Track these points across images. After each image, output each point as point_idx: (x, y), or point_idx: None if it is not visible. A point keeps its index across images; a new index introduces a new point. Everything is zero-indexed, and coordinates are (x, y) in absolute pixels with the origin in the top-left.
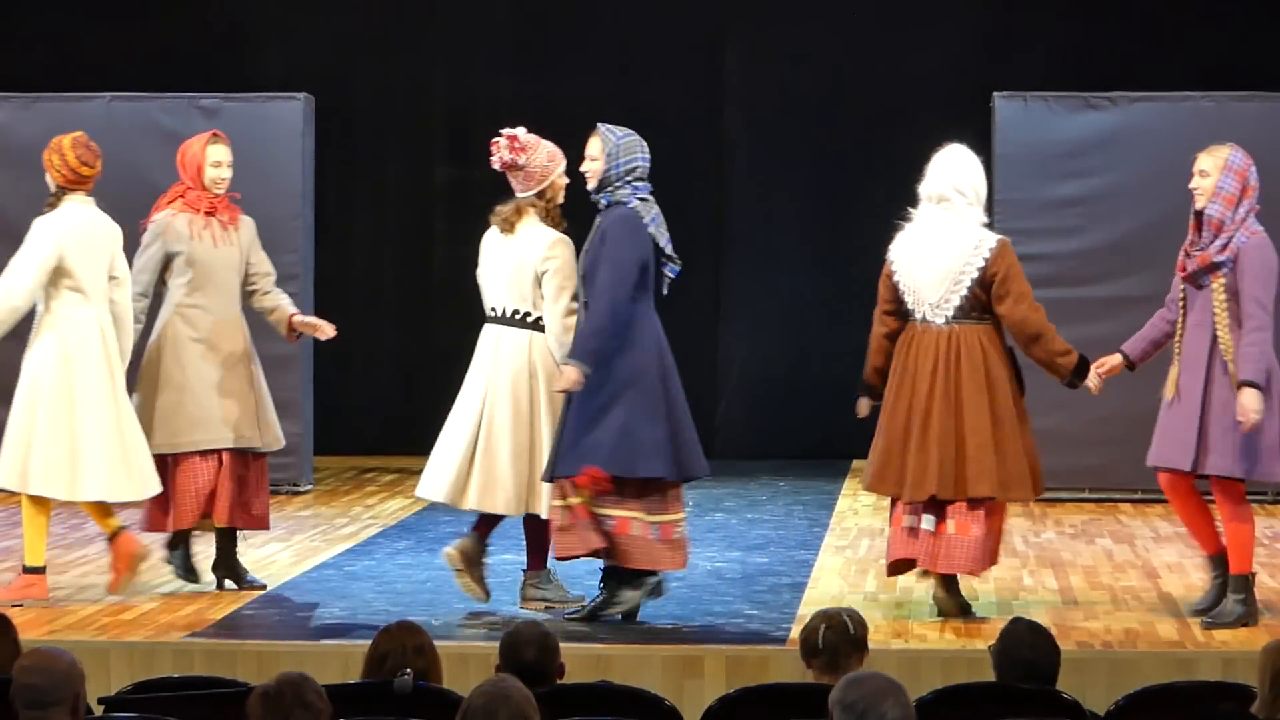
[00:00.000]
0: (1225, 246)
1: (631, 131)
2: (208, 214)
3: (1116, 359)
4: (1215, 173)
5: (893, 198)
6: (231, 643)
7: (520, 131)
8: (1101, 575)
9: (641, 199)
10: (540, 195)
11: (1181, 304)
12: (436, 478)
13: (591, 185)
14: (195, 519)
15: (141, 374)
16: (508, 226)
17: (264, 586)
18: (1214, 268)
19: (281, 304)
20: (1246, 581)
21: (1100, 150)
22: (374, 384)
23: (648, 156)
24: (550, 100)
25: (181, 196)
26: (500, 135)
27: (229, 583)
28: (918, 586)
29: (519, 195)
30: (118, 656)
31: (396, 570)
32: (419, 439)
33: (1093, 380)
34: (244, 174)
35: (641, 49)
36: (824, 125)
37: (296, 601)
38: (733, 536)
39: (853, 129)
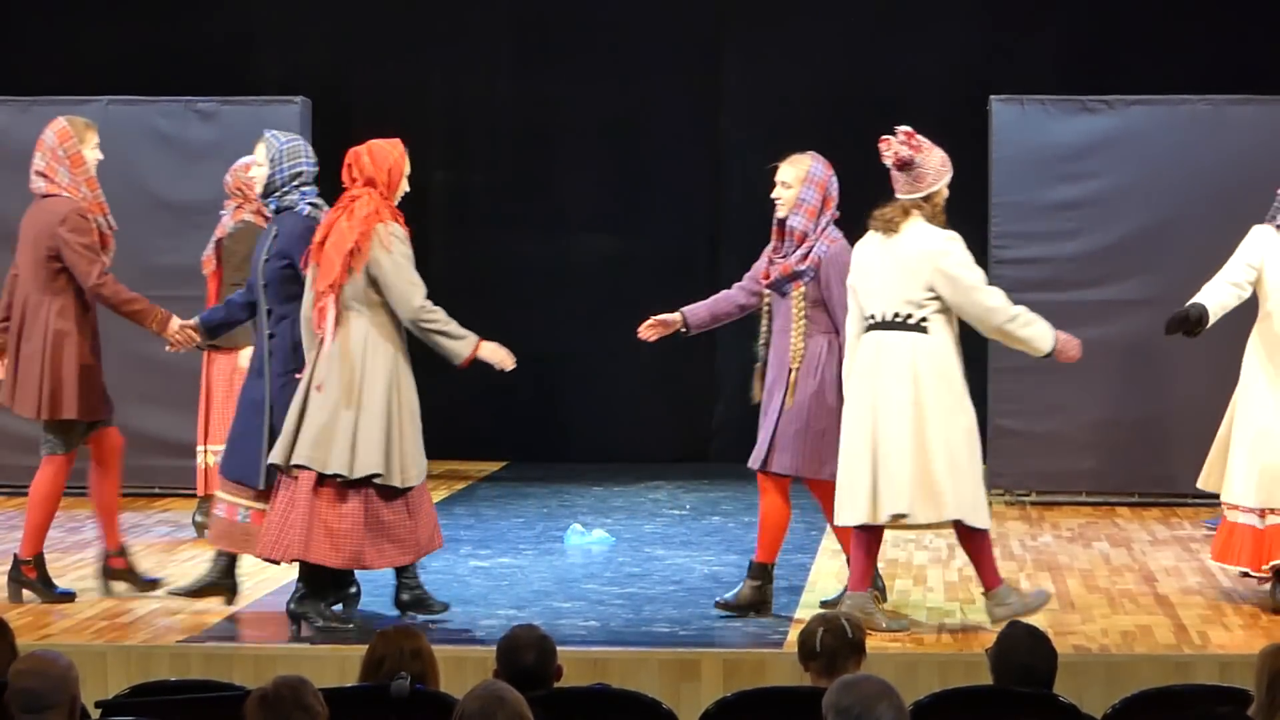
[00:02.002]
0: (806, 256)
1: (297, 137)
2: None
3: (675, 316)
4: (796, 184)
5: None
6: (229, 646)
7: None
8: (1098, 579)
9: (312, 203)
10: (927, 199)
11: (767, 309)
12: (868, 497)
13: (260, 191)
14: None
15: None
16: (891, 228)
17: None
18: (795, 276)
19: None
20: (766, 570)
21: (1097, 153)
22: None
23: (313, 160)
24: (547, 104)
25: (386, 208)
26: (895, 131)
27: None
28: (913, 589)
29: (903, 196)
30: (115, 660)
31: (392, 574)
32: None
33: (486, 352)
34: None
35: (639, 52)
36: (821, 129)
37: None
38: (730, 540)
39: (850, 132)
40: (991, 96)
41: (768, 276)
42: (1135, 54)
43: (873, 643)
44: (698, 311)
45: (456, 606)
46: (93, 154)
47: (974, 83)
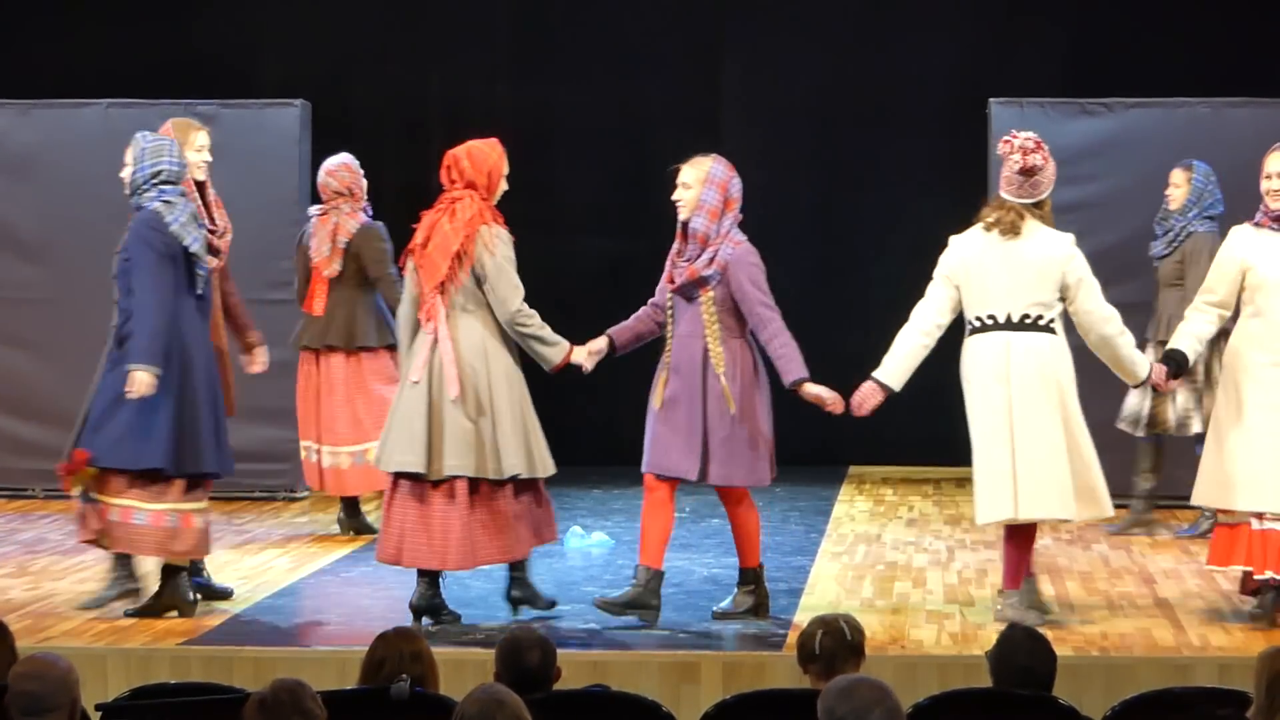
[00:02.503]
0: (712, 260)
1: (165, 138)
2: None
3: (603, 341)
4: (697, 185)
5: (890, 204)
6: (229, 649)
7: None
8: (1098, 581)
9: (166, 201)
10: (1039, 205)
11: (670, 313)
12: (1008, 497)
13: (127, 191)
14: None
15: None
16: (1013, 230)
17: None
18: (702, 282)
19: None
20: (756, 574)
21: (1097, 156)
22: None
23: (177, 160)
24: (547, 107)
25: (488, 208)
26: (1018, 136)
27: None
28: (913, 591)
29: (1015, 199)
30: (115, 663)
31: (393, 576)
32: None
33: (580, 356)
34: (241, 181)
35: (638, 55)
36: (821, 131)
37: (293, 608)
38: (729, 542)
39: (850, 135)
40: (990, 99)
41: (672, 281)
42: (1134, 56)
43: (871, 645)
44: (622, 333)
45: (457, 609)
46: (195, 156)
47: (973, 85)
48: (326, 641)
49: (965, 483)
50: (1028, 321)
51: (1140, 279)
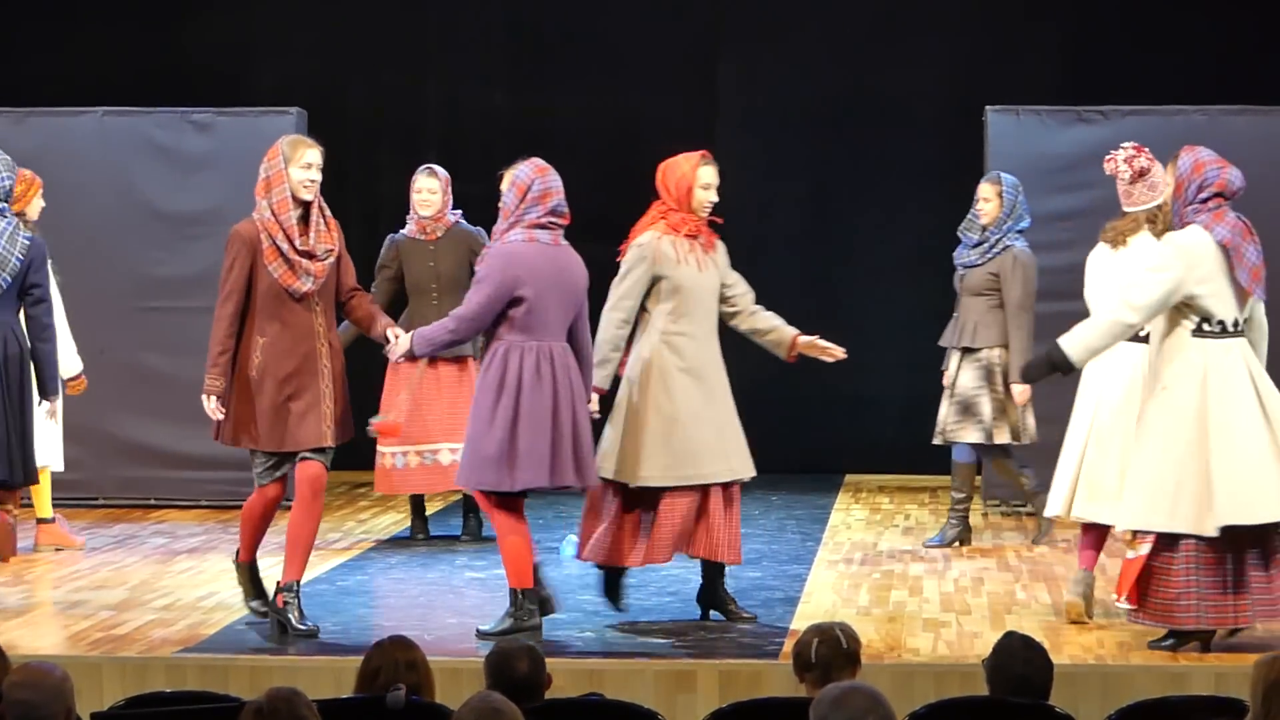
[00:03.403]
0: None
1: (2, 155)
2: (690, 237)
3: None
4: (506, 188)
5: (886, 211)
6: (224, 657)
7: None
8: (1094, 589)
9: None
10: (1159, 209)
11: None
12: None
13: None
14: (671, 555)
15: (622, 403)
16: (1120, 241)
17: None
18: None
19: (778, 324)
20: (518, 596)
21: (1093, 164)
22: (368, 399)
23: (7, 176)
24: (543, 115)
25: (664, 218)
26: (1127, 148)
27: (714, 613)
28: (910, 601)
29: (1137, 208)
30: (110, 671)
31: (389, 585)
32: None
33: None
34: (236, 188)
35: (634, 62)
36: (817, 139)
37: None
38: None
39: (846, 143)
40: (987, 107)
41: None
42: (1130, 64)
43: (868, 653)
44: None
45: (452, 618)
46: (301, 174)
47: (969, 93)
48: (322, 650)
49: None
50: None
51: None
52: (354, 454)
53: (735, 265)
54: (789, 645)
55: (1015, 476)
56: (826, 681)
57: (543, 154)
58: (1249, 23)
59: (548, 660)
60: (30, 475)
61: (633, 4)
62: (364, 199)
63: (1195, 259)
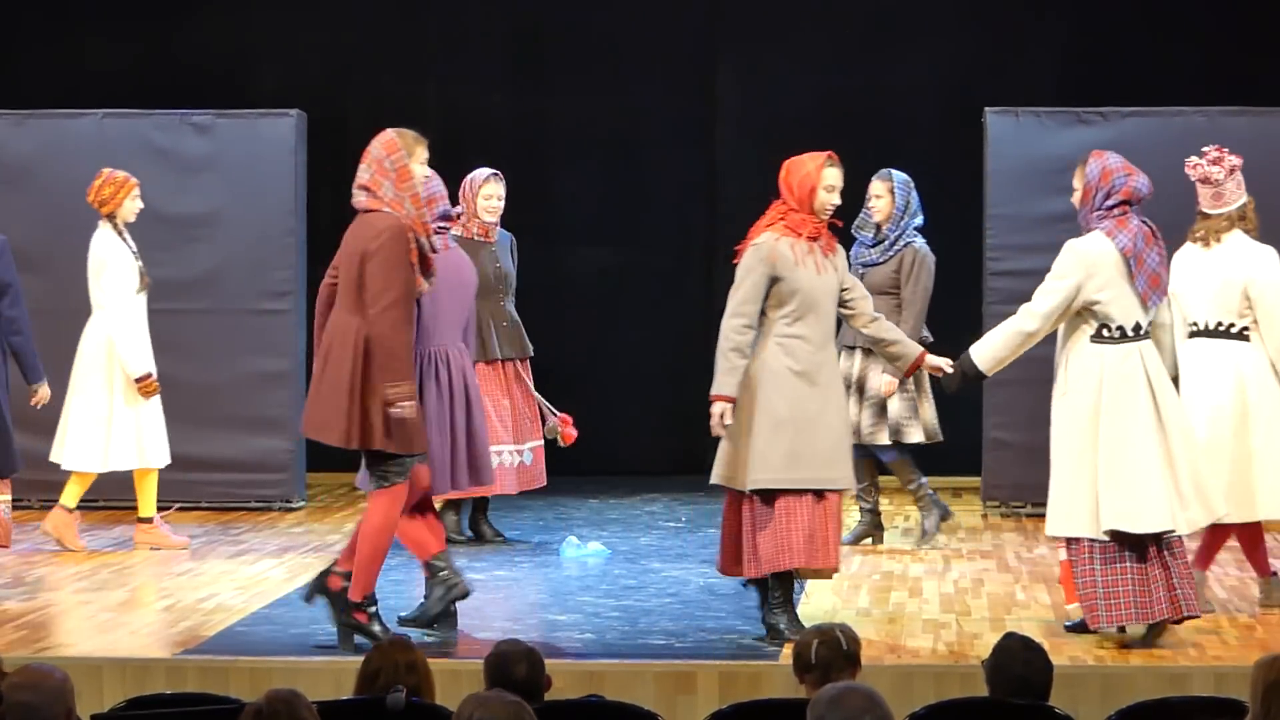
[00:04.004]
0: None
1: None
2: (810, 239)
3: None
4: None
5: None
6: (224, 659)
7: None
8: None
9: None
10: (1245, 207)
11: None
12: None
13: None
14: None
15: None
16: (1214, 238)
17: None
18: None
19: (901, 339)
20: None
21: None
22: None
23: None
24: (542, 117)
25: (783, 219)
26: (1210, 151)
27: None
28: (909, 601)
29: (1214, 210)
30: (110, 672)
31: (389, 587)
32: None
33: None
34: (236, 190)
35: (634, 66)
36: (816, 141)
37: (289, 618)
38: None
39: (845, 145)
40: (986, 108)
41: None
42: (1130, 66)
43: (868, 654)
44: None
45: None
46: (420, 170)
47: (968, 95)
48: (322, 652)
49: (961, 492)
50: (1221, 329)
51: None
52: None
53: (733, 264)
54: (789, 646)
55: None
56: (826, 682)
57: (542, 156)
58: (1248, 24)
59: (547, 662)
60: (10, 465)
61: (632, 5)
62: None
63: (1095, 266)
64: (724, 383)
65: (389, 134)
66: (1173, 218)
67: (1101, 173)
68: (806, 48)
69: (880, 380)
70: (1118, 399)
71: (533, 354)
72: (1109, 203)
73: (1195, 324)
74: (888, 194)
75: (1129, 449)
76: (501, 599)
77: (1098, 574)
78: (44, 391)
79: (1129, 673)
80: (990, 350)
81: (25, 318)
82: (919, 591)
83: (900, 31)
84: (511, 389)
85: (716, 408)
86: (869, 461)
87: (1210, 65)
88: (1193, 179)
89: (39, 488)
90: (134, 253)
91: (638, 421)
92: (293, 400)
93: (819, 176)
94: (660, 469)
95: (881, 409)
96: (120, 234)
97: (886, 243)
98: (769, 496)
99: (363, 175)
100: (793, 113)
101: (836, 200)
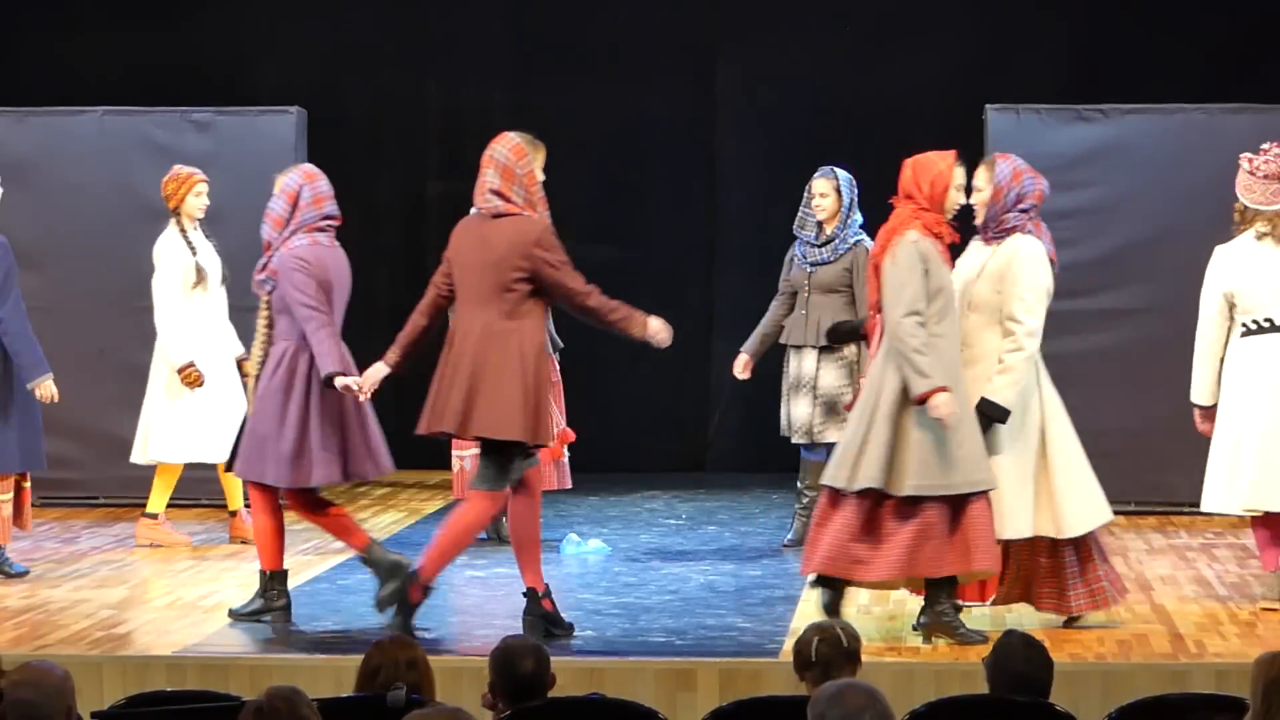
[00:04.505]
0: (265, 266)
1: None
2: (935, 236)
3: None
4: (275, 193)
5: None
6: (224, 656)
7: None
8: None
9: None
10: None
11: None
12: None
13: None
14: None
15: (880, 410)
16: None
17: None
18: (260, 285)
19: None
20: (266, 577)
21: (1092, 162)
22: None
23: None
24: (543, 115)
25: (918, 218)
26: (1275, 145)
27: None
28: (910, 599)
29: (1265, 207)
30: (110, 670)
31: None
32: (412, 453)
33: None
34: (236, 188)
35: (633, 64)
36: (816, 139)
37: (289, 615)
38: (726, 550)
39: (845, 142)
40: (986, 105)
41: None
42: (1130, 63)
43: (868, 652)
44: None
45: (452, 616)
46: (540, 174)
47: (969, 92)
48: (322, 649)
49: None
50: None
51: (1136, 284)
52: None
53: (736, 264)
54: (789, 644)
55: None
56: (827, 680)
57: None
58: (1249, 21)
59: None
60: (27, 463)
61: (632, 3)
62: (364, 197)
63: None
64: (933, 375)
65: (514, 140)
66: (1173, 219)
67: (1013, 173)
68: (807, 45)
69: (832, 379)
70: (1028, 408)
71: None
72: (1022, 205)
73: (1267, 320)
74: (833, 192)
75: (1009, 458)
76: (503, 596)
77: (1019, 567)
78: (43, 390)
79: (1129, 670)
80: (1009, 385)
81: (15, 317)
82: (920, 588)
83: (901, 29)
84: None
85: (942, 398)
86: (821, 463)
87: (1211, 62)
88: (1260, 175)
89: (39, 484)
90: (192, 249)
91: (637, 419)
92: None
93: (950, 176)
94: (660, 466)
95: (832, 408)
96: (183, 231)
97: (837, 241)
98: (965, 498)
99: (492, 180)
100: (793, 110)
101: (962, 199)
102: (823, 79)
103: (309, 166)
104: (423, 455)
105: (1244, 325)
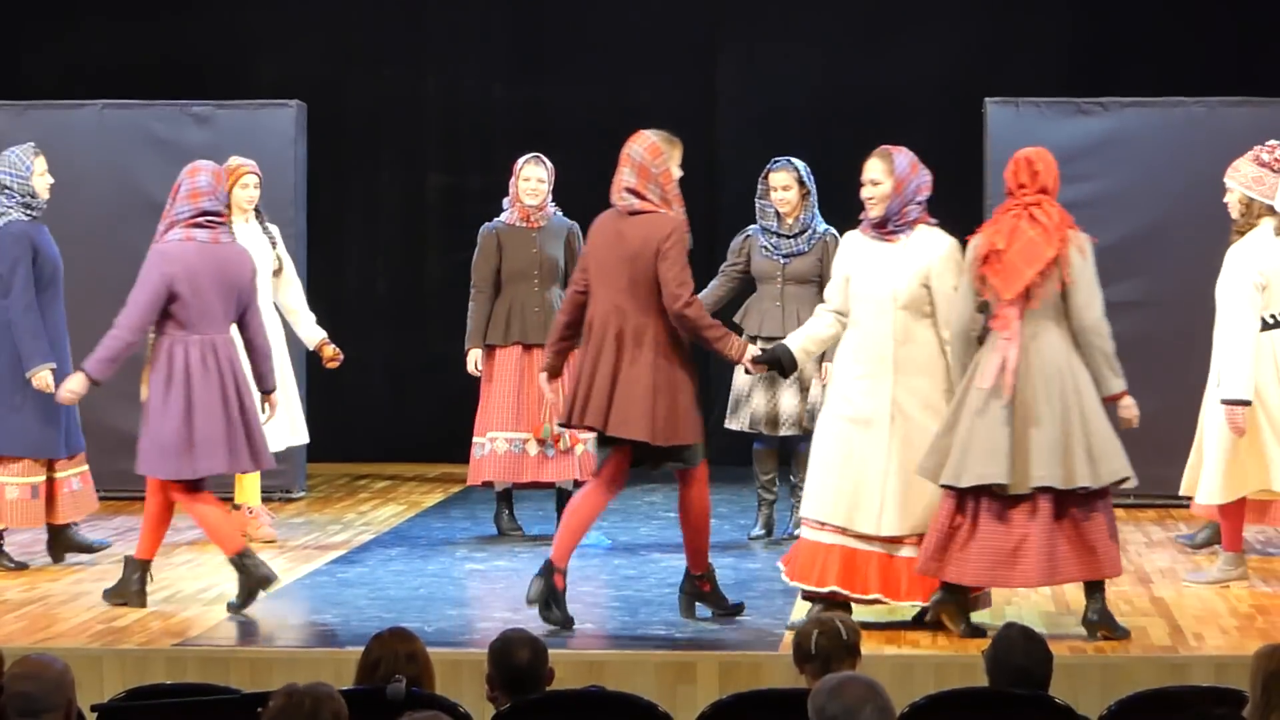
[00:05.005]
0: None
1: (11, 150)
2: None
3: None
4: None
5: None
6: (224, 649)
7: None
8: None
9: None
10: None
11: None
12: None
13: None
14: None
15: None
16: None
17: None
18: None
19: None
20: (240, 560)
21: (1092, 155)
22: (367, 391)
23: (7, 172)
24: (542, 109)
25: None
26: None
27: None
28: None
29: (1271, 201)
30: (110, 663)
31: (389, 577)
32: (412, 446)
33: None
34: None
35: (633, 57)
36: (816, 133)
37: (289, 608)
38: (725, 543)
39: (845, 136)
40: (986, 98)
41: None
42: (1130, 56)
43: (867, 645)
44: None
45: (452, 610)
46: (677, 171)
47: (968, 85)
48: (322, 642)
49: None
50: None
51: (1136, 277)
52: (352, 447)
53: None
54: (789, 637)
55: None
56: (827, 673)
57: (542, 147)
58: (1248, 14)
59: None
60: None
61: None
62: (364, 191)
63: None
64: (1121, 375)
65: (650, 138)
66: (1174, 213)
67: (910, 165)
68: (806, 38)
69: (811, 369)
70: None
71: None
72: (919, 198)
73: (1272, 317)
74: (795, 184)
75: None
76: (502, 589)
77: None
78: (39, 380)
79: (1129, 663)
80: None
81: (16, 306)
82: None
83: (900, 22)
84: (533, 375)
85: (1130, 400)
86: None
87: (1211, 55)
88: (1276, 169)
89: None
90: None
91: None
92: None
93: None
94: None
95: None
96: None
97: (810, 232)
98: (1102, 493)
99: (629, 179)
100: (793, 103)
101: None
102: (822, 71)
103: (201, 161)
104: (422, 448)
105: (1264, 320)
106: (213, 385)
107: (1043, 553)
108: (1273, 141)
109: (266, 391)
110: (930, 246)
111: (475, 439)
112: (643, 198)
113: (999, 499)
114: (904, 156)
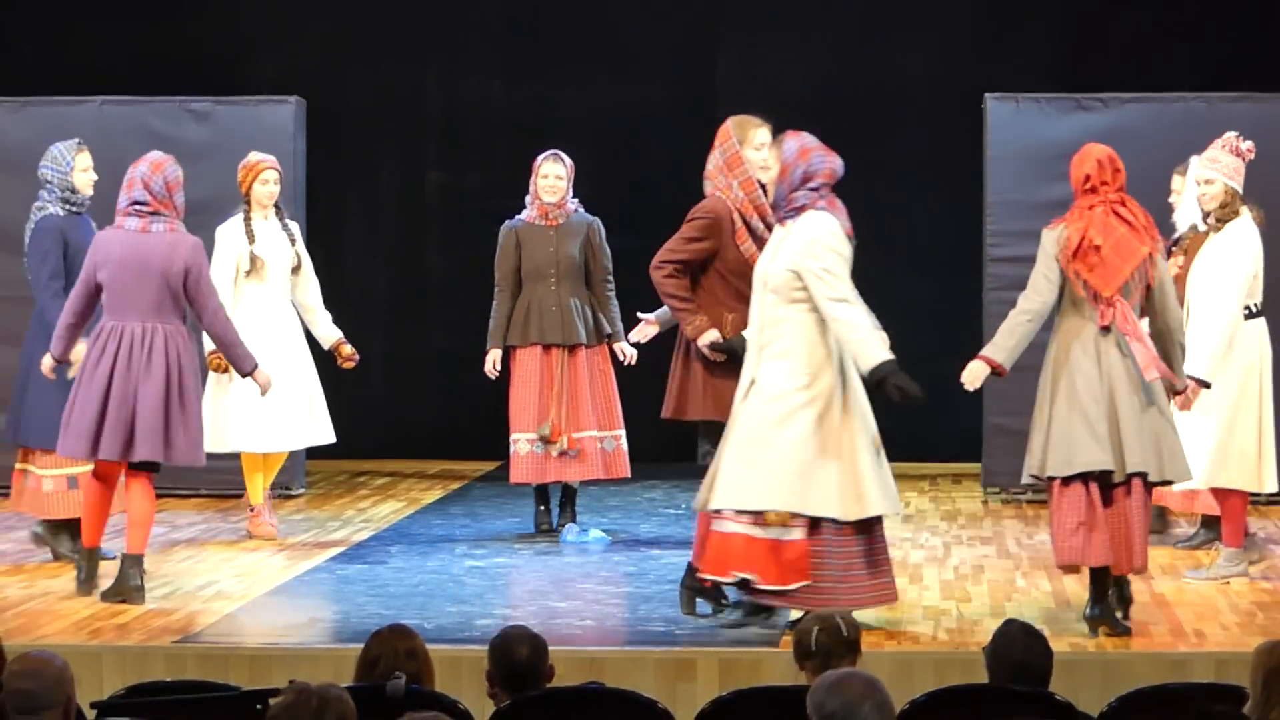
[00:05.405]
0: None
1: (55, 145)
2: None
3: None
4: None
5: (887, 200)
6: (224, 646)
7: None
8: None
9: (42, 204)
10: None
11: None
12: None
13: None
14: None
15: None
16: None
17: None
18: None
19: None
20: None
21: None
22: (366, 387)
23: (49, 166)
24: (542, 105)
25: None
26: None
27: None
28: (909, 587)
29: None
30: (110, 660)
31: (389, 574)
32: (411, 443)
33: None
34: (235, 178)
35: (633, 54)
36: (816, 129)
37: (289, 605)
38: None
39: (845, 132)
40: (986, 94)
41: None
42: (1130, 51)
43: (868, 641)
44: None
45: (452, 607)
46: (754, 154)
47: (968, 80)
48: (322, 638)
49: (961, 478)
50: None
51: None
52: (351, 444)
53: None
54: (789, 633)
55: None
56: (826, 669)
57: (542, 144)
58: (1248, 9)
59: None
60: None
61: None
62: (363, 188)
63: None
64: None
65: (727, 123)
66: (1171, 211)
67: (799, 151)
68: (807, 34)
69: None
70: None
71: (586, 342)
72: (811, 184)
73: (1255, 305)
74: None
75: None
76: (502, 586)
77: None
78: (46, 366)
79: (1129, 659)
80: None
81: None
82: (919, 578)
83: (900, 18)
84: (552, 374)
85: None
86: None
87: (1210, 51)
88: (1247, 160)
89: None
90: (250, 237)
91: (638, 409)
92: None
93: None
94: (660, 456)
95: None
96: (248, 218)
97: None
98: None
99: (708, 165)
100: (793, 99)
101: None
102: (822, 67)
103: (155, 153)
104: (421, 445)
105: (1247, 309)
106: (100, 368)
107: (1139, 538)
108: (1231, 133)
109: (245, 374)
110: (802, 231)
111: (511, 437)
112: (712, 182)
113: (1107, 487)
114: (794, 142)
